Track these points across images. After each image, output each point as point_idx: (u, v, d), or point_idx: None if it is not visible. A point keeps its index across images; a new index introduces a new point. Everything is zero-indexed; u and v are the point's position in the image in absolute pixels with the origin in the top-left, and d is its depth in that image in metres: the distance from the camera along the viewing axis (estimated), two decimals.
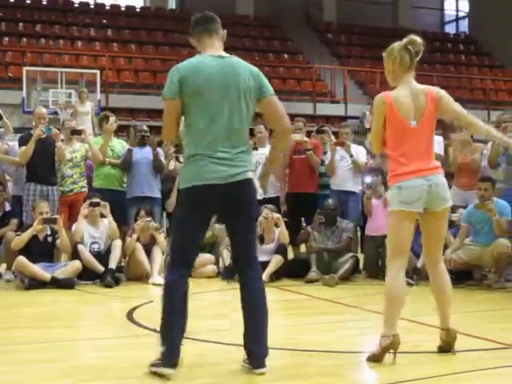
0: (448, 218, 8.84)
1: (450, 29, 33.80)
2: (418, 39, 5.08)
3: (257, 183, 4.62)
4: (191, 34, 4.71)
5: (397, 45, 5.08)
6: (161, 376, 4.31)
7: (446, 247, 8.76)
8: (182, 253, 4.52)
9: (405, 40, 5.08)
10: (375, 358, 4.80)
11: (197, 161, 4.43)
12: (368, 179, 9.75)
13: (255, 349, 4.49)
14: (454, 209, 9.33)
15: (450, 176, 9.91)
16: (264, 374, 4.40)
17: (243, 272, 4.71)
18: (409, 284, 8.53)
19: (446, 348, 5.01)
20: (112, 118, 10.10)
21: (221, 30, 4.72)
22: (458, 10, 34.37)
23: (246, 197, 4.53)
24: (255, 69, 4.68)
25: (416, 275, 8.72)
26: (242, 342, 4.57)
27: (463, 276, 8.77)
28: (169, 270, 4.55)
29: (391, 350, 4.78)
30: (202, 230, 4.68)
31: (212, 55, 4.56)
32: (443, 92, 5.04)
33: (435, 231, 5.08)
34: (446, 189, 5.01)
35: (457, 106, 5.05)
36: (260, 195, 4.64)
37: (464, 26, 33.32)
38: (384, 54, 5.14)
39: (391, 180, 5.01)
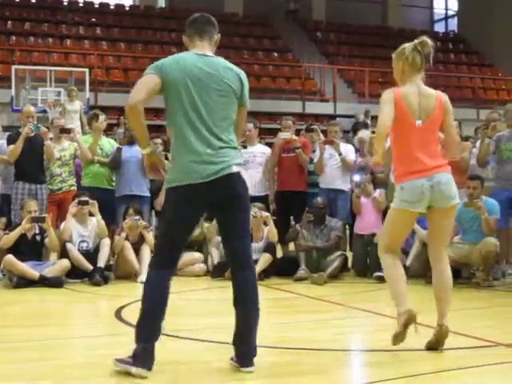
0: None
1: (440, 27, 33.87)
2: (429, 41, 5.16)
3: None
4: (185, 32, 4.68)
5: (408, 45, 5.18)
6: (130, 375, 4.26)
7: None
8: (167, 253, 4.49)
9: (416, 41, 5.16)
10: (400, 336, 4.89)
11: (180, 160, 4.42)
12: (357, 178, 9.77)
13: (245, 349, 4.49)
14: None
15: None
16: (252, 372, 4.40)
17: (238, 273, 4.62)
18: None
19: (435, 345, 5.03)
20: (102, 117, 10.08)
21: (215, 34, 4.69)
22: (447, 9, 34.45)
23: (232, 190, 4.47)
24: (243, 73, 4.64)
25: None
26: (228, 340, 4.57)
27: (452, 274, 8.77)
28: (151, 270, 4.51)
29: (411, 324, 4.89)
30: (188, 231, 4.66)
31: (197, 53, 4.53)
32: (449, 101, 5.13)
33: (439, 229, 5.15)
34: (451, 187, 5.05)
35: (453, 122, 5.17)
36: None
37: (453, 24, 33.40)
38: (394, 55, 5.19)
39: (396, 180, 5.11)
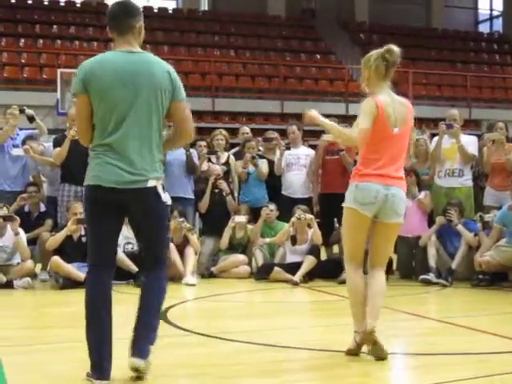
0: (481, 218, 8.87)
1: (484, 28, 33.50)
2: (396, 49, 5.13)
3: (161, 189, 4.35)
4: (107, 24, 4.39)
5: (374, 53, 5.11)
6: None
7: (478, 248, 8.73)
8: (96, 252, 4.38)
9: (383, 49, 5.10)
10: (353, 352, 4.87)
11: (99, 162, 4.26)
12: None
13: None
14: (487, 209, 9.28)
15: (484, 176, 9.85)
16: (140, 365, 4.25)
17: None
18: (443, 285, 8.53)
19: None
20: None
21: (138, 22, 4.37)
22: (491, 9, 34.06)
23: (144, 205, 4.28)
24: (171, 68, 4.35)
25: (450, 276, 8.67)
26: (274, 342, 4.56)
27: (498, 278, 8.69)
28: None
29: (365, 344, 4.81)
30: (109, 230, 4.36)
31: (122, 51, 4.28)
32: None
33: (379, 241, 5.01)
34: (402, 204, 4.95)
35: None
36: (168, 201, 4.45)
37: (498, 24, 33.01)
38: (362, 61, 5.18)
39: (353, 178, 5.02)
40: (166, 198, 4.40)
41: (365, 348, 4.85)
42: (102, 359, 4.21)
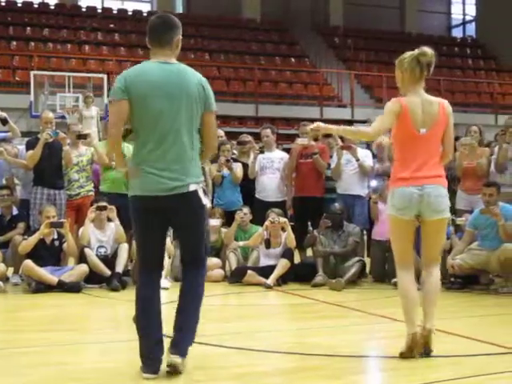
0: (453, 222, 8.91)
1: (457, 33, 33.77)
2: (429, 51, 5.13)
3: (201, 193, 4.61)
4: (147, 36, 4.65)
5: (408, 55, 5.15)
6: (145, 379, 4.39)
7: (450, 251, 8.78)
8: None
9: (416, 51, 5.13)
10: (405, 355, 4.92)
11: (141, 171, 4.50)
12: (374, 183, 9.74)
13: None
14: (459, 213, 9.34)
15: (457, 180, 9.92)
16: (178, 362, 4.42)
17: None
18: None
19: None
20: None
21: (176, 36, 4.63)
22: (465, 14, 34.34)
23: (188, 209, 4.55)
24: (204, 79, 4.65)
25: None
26: (247, 345, 4.57)
27: (470, 281, 8.75)
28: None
29: (415, 348, 4.91)
30: (157, 236, 4.67)
31: (159, 61, 4.54)
32: (451, 111, 5.16)
33: (427, 239, 5.16)
34: (441, 200, 5.05)
35: (452, 132, 5.18)
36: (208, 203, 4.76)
37: (471, 29, 33.29)
38: (396, 62, 5.20)
39: (390, 184, 5.16)
40: (206, 200, 4.67)
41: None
42: (153, 353, 4.44)
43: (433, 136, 5.05)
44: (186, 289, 4.67)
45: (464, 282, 8.65)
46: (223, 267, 9.68)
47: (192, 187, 4.50)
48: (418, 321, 5.02)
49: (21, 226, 9.39)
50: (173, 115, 4.45)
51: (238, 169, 10.27)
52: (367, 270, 9.69)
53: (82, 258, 8.85)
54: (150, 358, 4.43)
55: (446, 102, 5.17)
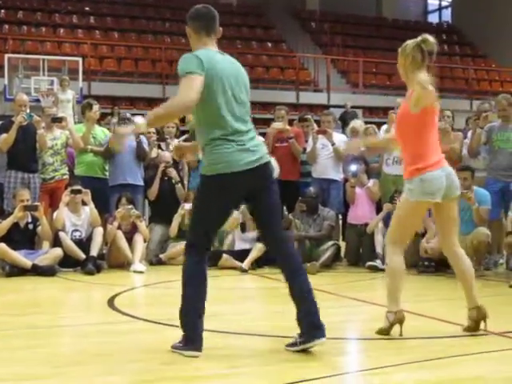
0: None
1: (433, 18, 33.87)
2: (431, 38, 5.26)
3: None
4: (190, 24, 4.73)
5: (410, 42, 5.25)
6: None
7: (424, 235, 8.85)
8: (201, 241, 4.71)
9: (419, 38, 5.24)
10: (385, 332, 5.09)
11: (221, 147, 4.53)
12: (353, 167, 9.76)
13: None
14: None
15: None
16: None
17: None
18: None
19: (475, 327, 5.22)
20: (95, 106, 10.07)
21: (218, 27, 4.78)
22: (441, 0, 34.43)
23: (269, 177, 4.76)
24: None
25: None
26: (219, 328, 4.56)
27: (443, 264, 8.80)
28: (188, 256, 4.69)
29: (397, 324, 5.08)
30: (225, 217, 4.90)
31: (217, 51, 4.68)
32: None
33: (452, 217, 5.34)
34: (455, 177, 5.31)
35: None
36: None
37: (447, 15, 33.41)
38: (399, 50, 5.28)
39: (413, 172, 5.15)
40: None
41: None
42: (199, 331, 4.57)
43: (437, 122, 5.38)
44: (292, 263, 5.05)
45: (437, 265, 8.71)
46: None
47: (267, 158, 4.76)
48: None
49: None
50: (241, 99, 4.66)
51: None
52: (342, 253, 9.74)
53: (56, 242, 8.83)
54: (198, 338, 4.54)
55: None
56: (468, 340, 5.12)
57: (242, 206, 9.24)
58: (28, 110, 9.58)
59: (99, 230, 8.94)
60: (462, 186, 8.50)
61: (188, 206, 9.64)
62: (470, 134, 9.68)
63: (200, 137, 4.67)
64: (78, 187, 9.02)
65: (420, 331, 5.27)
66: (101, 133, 10.21)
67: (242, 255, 9.16)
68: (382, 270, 8.71)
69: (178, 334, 4.70)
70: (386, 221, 9.19)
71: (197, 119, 4.67)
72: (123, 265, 9.09)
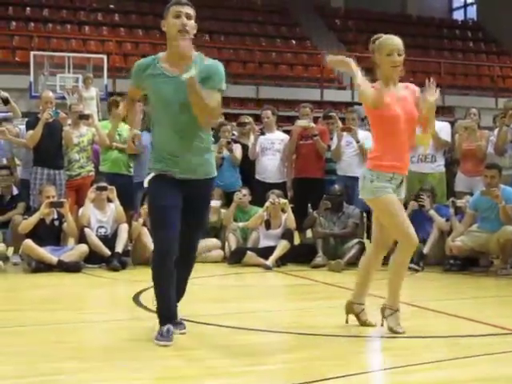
0: (453, 204, 8.94)
1: (458, 15, 33.62)
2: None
3: None
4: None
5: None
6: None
7: (450, 233, 8.80)
8: None
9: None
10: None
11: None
12: None
13: None
14: (458, 195, 9.36)
15: (457, 162, 9.93)
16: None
17: None
18: (415, 270, 8.57)
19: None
20: (122, 104, 10.10)
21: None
22: None
23: None
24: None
25: (422, 261, 8.73)
26: (242, 325, 4.57)
27: (469, 263, 8.77)
28: None
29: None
30: None
31: None
32: None
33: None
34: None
35: None
36: None
37: (472, 12, 33.14)
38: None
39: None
40: None
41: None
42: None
43: None
44: None
45: (463, 263, 8.66)
46: (223, 248, 9.70)
47: None
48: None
49: (21, 205, 9.40)
50: None
51: (237, 150, 10.27)
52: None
53: (81, 238, 8.87)
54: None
55: None
56: (491, 339, 5.07)
57: (267, 203, 9.26)
58: (54, 107, 9.63)
59: (124, 227, 8.98)
60: (489, 184, 8.50)
61: (212, 202, 9.64)
62: (496, 132, 9.61)
63: (200, 141, 4.92)
64: (104, 184, 9.07)
65: (446, 330, 5.24)
66: (126, 130, 10.24)
67: (266, 252, 9.15)
68: (408, 269, 8.68)
69: (203, 330, 4.71)
70: (412, 219, 9.15)
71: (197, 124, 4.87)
72: (148, 261, 9.08)
